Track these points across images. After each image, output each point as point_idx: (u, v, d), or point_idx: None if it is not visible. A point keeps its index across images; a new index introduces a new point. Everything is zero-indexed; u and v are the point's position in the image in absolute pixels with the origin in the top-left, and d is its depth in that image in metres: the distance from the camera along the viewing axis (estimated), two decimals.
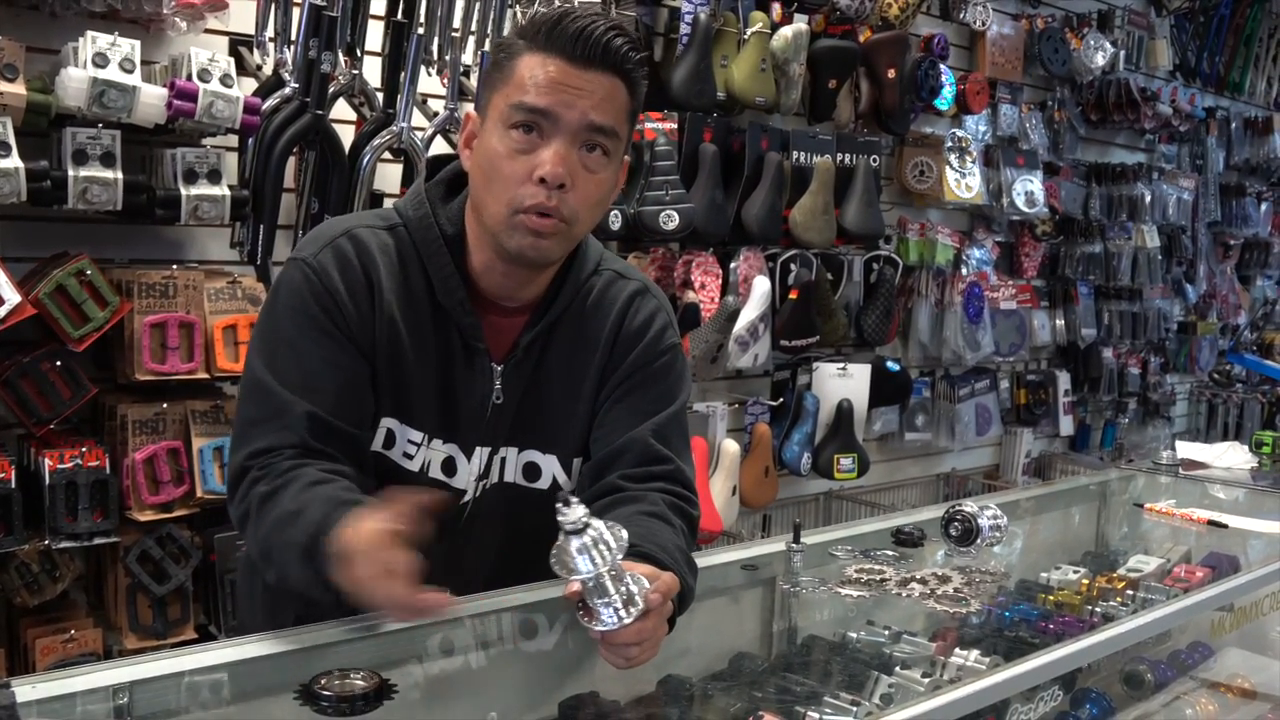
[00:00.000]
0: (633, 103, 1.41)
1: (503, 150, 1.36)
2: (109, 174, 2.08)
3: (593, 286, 1.53)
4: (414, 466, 1.46)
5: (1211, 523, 2.13)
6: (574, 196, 1.36)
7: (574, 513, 1.14)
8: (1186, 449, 2.68)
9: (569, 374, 1.51)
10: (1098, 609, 1.65)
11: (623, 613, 1.16)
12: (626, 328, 1.52)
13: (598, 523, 1.15)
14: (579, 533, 1.14)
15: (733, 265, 3.28)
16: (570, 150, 1.35)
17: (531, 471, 1.52)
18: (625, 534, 1.18)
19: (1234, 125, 5.65)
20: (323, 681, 1.11)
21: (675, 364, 1.56)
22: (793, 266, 3.46)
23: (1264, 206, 5.88)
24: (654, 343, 1.53)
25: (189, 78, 2.16)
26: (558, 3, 2.72)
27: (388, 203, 2.60)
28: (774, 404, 3.54)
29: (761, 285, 3.27)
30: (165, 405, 2.23)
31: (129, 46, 2.09)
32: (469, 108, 2.68)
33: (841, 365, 3.60)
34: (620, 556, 1.16)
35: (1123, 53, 4.81)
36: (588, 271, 1.52)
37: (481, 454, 1.49)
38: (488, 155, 1.38)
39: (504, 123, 1.36)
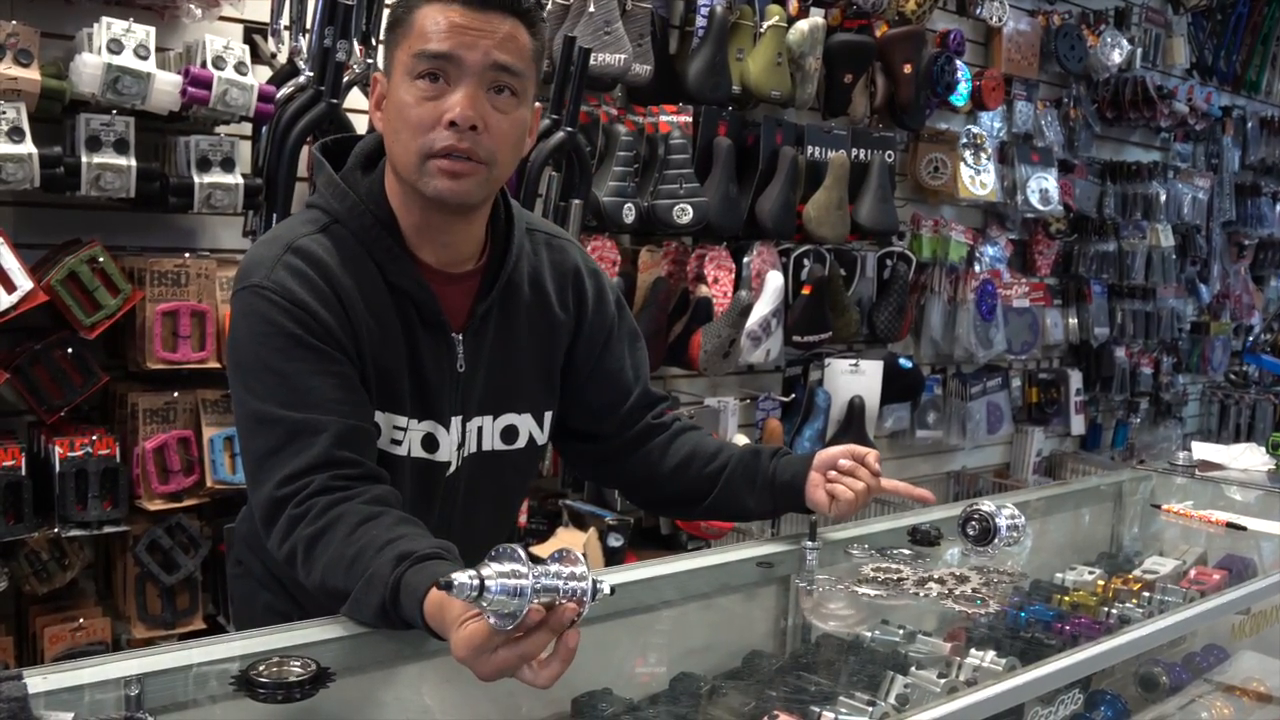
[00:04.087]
0: (535, 44, 1.42)
1: (410, 100, 1.36)
2: (122, 161, 2.07)
3: (530, 246, 1.57)
4: (401, 451, 1.47)
5: (1230, 525, 2.11)
6: (487, 138, 1.37)
7: (462, 581, 0.99)
8: (1202, 450, 2.65)
9: (533, 336, 1.55)
10: (1114, 611, 1.63)
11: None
12: (588, 290, 1.61)
13: (487, 570, 1.01)
14: (479, 595, 1.01)
15: (746, 260, 3.27)
16: (478, 92, 1.36)
17: (510, 434, 1.56)
18: (519, 551, 1.05)
19: (1250, 124, 5.63)
20: (260, 668, 1.09)
21: (621, 303, 1.69)
22: (806, 262, 3.45)
23: (1279, 206, 5.85)
24: (606, 298, 1.64)
25: (203, 65, 2.15)
26: None
27: None
28: (785, 400, 3.53)
29: (774, 280, 3.26)
30: (176, 394, 2.23)
31: (144, 33, 2.08)
32: None
33: (853, 361, 3.58)
34: (531, 577, 1.03)
35: (1139, 50, 4.79)
36: (521, 232, 1.55)
37: (456, 424, 1.50)
38: (397, 108, 1.38)
39: (409, 74, 1.37)
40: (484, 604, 1.02)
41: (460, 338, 1.48)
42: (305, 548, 1.29)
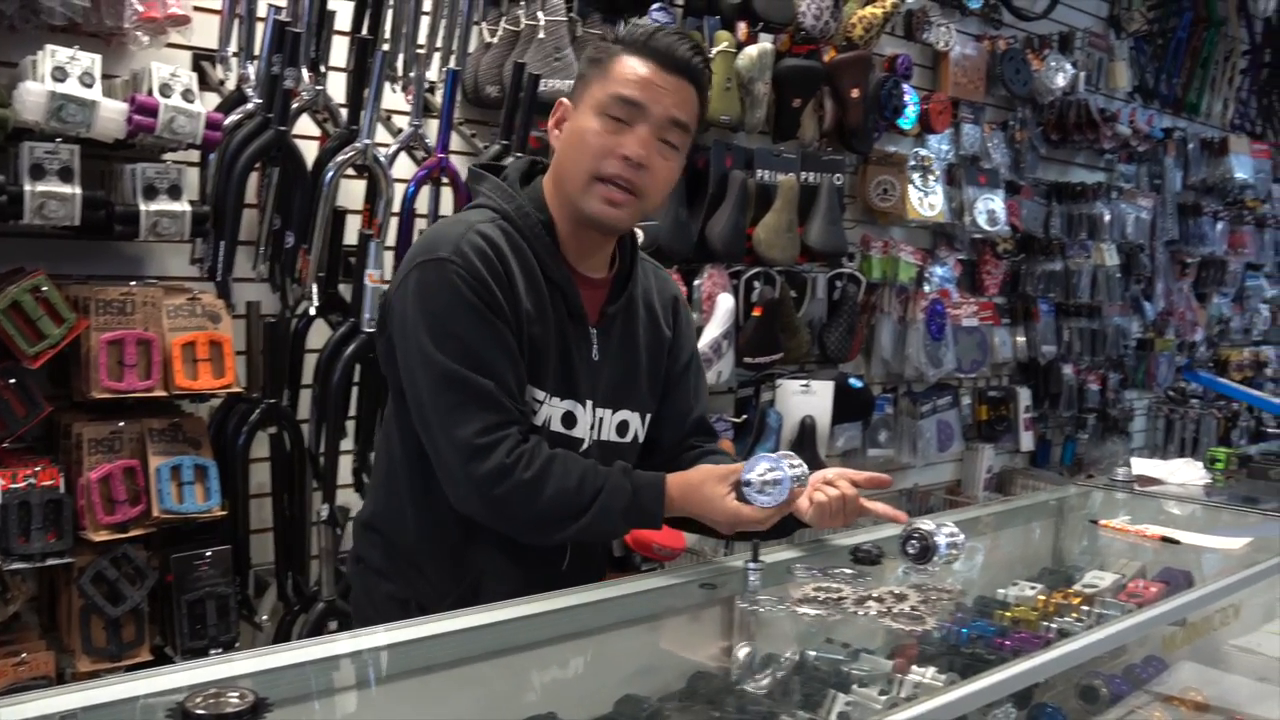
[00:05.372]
0: (701, 109, 1.71)
1: (595, 129, 1.62)
2: (67, 189, 2.06)
3: (642, 270, 1.83)
4: (538, 420, 1.68)
5: (1165, 539, 2.16)
6: (648, 176, 1.64)
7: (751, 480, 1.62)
8: (1141, 465, 2.70)
9: (647, 343, 1.81)
10: (1054, 625, 1.66)
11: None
12: (681, 316, 1.90)
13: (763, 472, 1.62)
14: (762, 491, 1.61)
15: (697, 283, 3.30)
16: (651, 138, 1.63)
17: (623, 428, 1.79)
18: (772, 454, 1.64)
19: (1191, 146, 5.75)
20: (197, 700, 1.09)
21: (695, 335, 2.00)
22: (756, 284, 3.48)
23: (1220, 225, 5.98)
24: (692, 328, 1.94)
25: (150, 92, 2.15)
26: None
27: (351, 220, 2.60)
28: (737, 421, 3.55)
29: (725, 303, 3.29)
30: (122, 424, 2.21)
31: (89, 60, 2.07)
32: (434, 124, 2.69)
33: (805, 382, 3.61)
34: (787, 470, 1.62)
35: (1083, 74, 4.88)
36: (640, 255, 1.83)
37: (589, 407, 1.73)
38: (579, 133, 1.64)
39: (599, 109, 1.63)
40: (760, 494, 1.61)
41: (595, 331, 1.73)
42: (528, 488, 1.57)
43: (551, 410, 1.69)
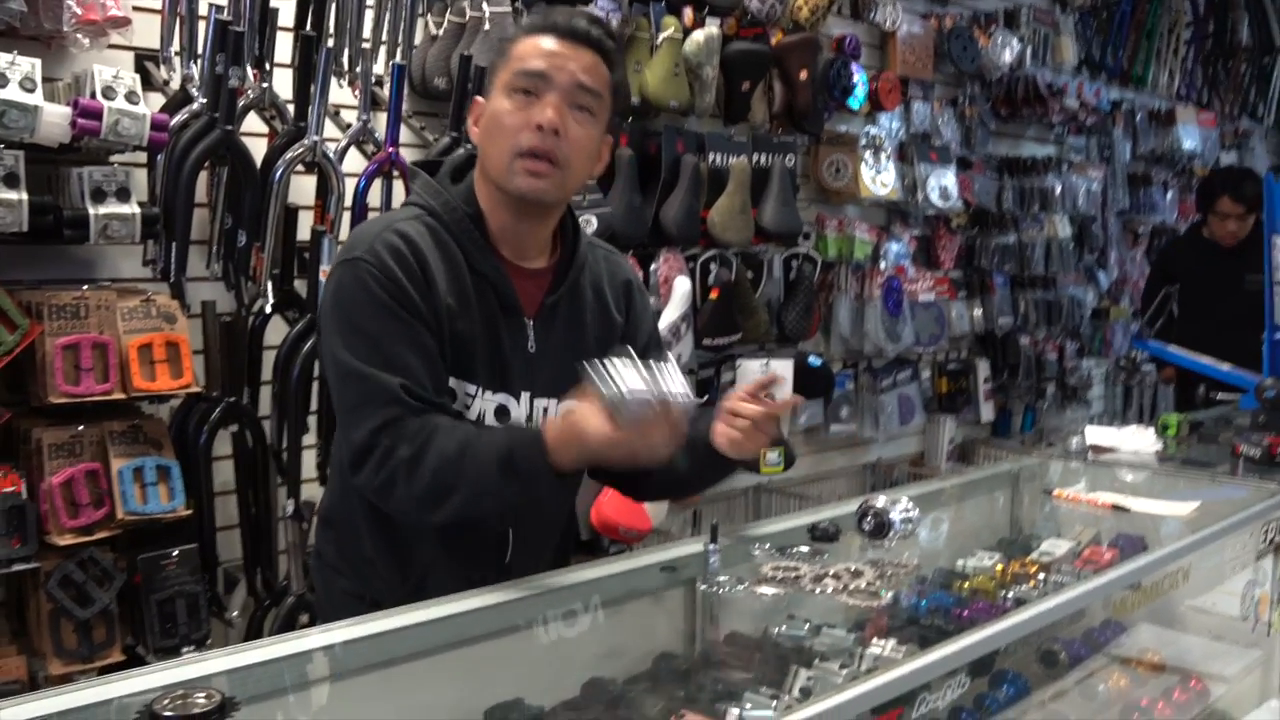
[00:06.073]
0: (612, 78, 1.69)
1: (506, 109, 1.62)
2: (13, 195, 2.04)
3: (591, 257, 1.81)
4: (471, 415, 1.66)
5: (1115, 507, 2.21)
6: (566, 144, 1.62)
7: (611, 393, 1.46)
8: (1095, 434, 2.75)
9: (595, 331, 1.78)
10: (1011, 594, 1.70)
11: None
12: (635, 300, 1.86)
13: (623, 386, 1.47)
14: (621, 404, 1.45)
15: (653, 267, 3.31)
16: (563, 105, 1.62)
17: None
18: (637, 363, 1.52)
19: (1138, 117, 5.82)
20: (165, 701, 1.10)
21: (653, 317, 1.97)
22: (712, 266, 3.50)
23: (1169, 194, 6.07)
24: (648, 312, 1.92)
25: (93, 95, 2.13)
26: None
27: (304, 216, 2.59)
28: (700, 402, 3.57)
29: (682, 286, 3.31)
30: (82, 427, 2.20)
31: (29, 65, 2.05)
32: (383, 118, 2.69)
33: (764, 362, 3.64)
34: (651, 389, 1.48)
35: (1029, 49, 4.92)
36: (585, 242, 1.80)
37: (525, 399, 1.70)
38: (493, 117, 1.64)
39: (507, 89, 1.63)
40: (622, 411, 1.45)
41: (531, 322, 1.70)
42: (408, 465, 1.53)
43: (484, 404, 1.67)
